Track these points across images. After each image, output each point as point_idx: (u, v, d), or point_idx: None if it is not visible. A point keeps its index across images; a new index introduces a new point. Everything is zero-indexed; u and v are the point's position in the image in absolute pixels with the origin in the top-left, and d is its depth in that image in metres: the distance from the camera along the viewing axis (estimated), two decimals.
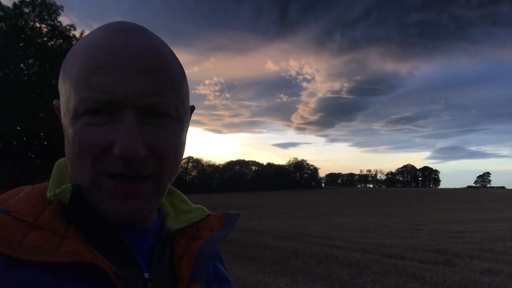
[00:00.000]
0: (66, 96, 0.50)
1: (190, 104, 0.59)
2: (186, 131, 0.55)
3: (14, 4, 27.59)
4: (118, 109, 0.47)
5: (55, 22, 29.27)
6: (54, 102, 0.57)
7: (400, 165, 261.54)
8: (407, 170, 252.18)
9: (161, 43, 0.53)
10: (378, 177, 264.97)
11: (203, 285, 0.59)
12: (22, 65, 28.56)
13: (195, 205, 0.67)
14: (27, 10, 28.26)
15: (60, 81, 0.53)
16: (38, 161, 27.53)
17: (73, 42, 29.58)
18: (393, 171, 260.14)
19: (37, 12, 28.54)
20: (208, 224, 0.64)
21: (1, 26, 27.12)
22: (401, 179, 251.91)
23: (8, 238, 0.45)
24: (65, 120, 0.50)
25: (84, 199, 0.49)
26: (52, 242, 0.46)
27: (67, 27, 29.90)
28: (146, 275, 0.54)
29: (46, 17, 28.92)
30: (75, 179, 0.51)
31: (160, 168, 0.50)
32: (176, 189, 0.67)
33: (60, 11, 29.73)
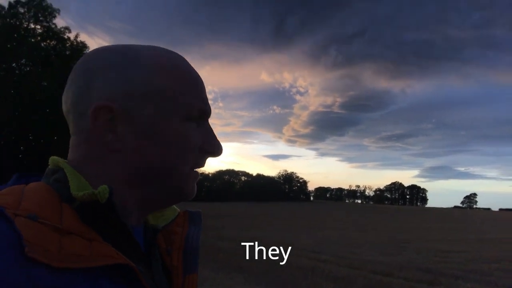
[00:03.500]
0: (165, 99, 0.58)
1: None
2: None
3: (10, 3, 27.47)
4: (206, 118, 0.63)
5: (50, 24, 29.20)
6: (103, 103, 0.56)
7: (389, 182, 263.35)
8: (396, 187, 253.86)
9: None
10: (366, 193, 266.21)
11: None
12: (14, 64, 28.35)
13: None
14: (23, 10, 28.16)
15: (144, 80, 0.58)
16: (25, 161, 27.13)
17: (67, 45, 29.51)
18: (382, 187, 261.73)
19: (32, 13, 28.43)
20: (176, 221, 0.68)
21: None
22: (389, 196, 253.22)
23: (50, 248, 0.45)
24: (162, 120, 0.58)
25: (114, 201, 0.51)
26: (84, 246, 0.47)
27: (62, 29, 29.84)
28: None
29: (41, 18, 28.82)
30: (172, 171, 0.59)
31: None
32: None
33: (56, 14, 29.68)
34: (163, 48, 0.63)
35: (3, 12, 27.26)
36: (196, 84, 0.62)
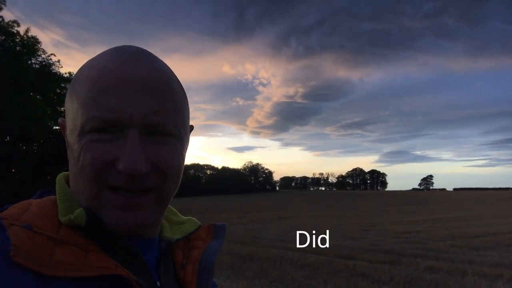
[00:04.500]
0: (73, 114, 0.53)
1: (190, 124, 0.64)
2: (186, 149, 0.60)
3: None
4: (123, 128, 0.51)
5: None
6: (59, 120, 0.60)
7: (350, 169, 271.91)
8: (357, 173, 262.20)
9: (165, 66, 0.58)
10: (329, 180, 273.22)
11: None
12: None
13: (186, 217, 0.72)
14: None
15: (67, 100, 0.56)
16: None
17: (17, 40, 27.92)
18: (344, 174, 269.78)
19: None
20: (198, 235, 0.68)
21: None
22: (351, 181, 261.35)
23: (39, 255, 0.46)
24: (71, 137, 0.53)
25: (98, 220, 0.51)
26: (78, 256, 0.48)
27: (10, 23, 28.15)
28: (158, 283, 0.58)
29: None
30: (78, 194, 0.54)
31: (162, 182, 0.54)
32: None
33: (2, 6, 27.91)
34: (106, 51, 0.57)
35: None
36: (97, 92, 0.51)
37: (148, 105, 0.51)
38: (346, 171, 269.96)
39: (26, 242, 0.46)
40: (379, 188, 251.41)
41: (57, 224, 0.51)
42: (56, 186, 0.58)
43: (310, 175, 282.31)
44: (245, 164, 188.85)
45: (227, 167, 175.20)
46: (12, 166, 25.06)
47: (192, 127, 0.65)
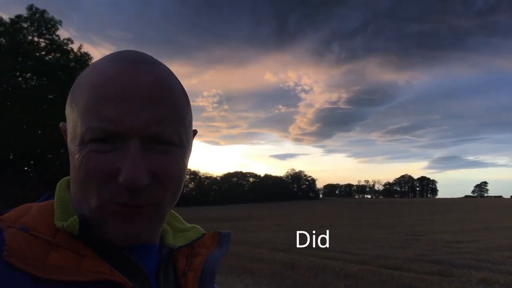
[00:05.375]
0: (73, 123, 0.52)
1: (193, 129, 0.62)
2: (189, 156, 0.58)
3: (11, 19, 27.79)
4: (124, 138, 0.49)
5: (53, 36, 29.48)
6: (60, 125, 0.59)
7: (398, 176, 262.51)
8: (405, 180, 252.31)
9: (168, 73, 0.56)
10: (375, 187, 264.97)
11: None
12: (20, 79, 28.67)
13: (190, 224, 0.70)
14: (26, 25, 28.47)
15: (67, 107, 0.55)
16: (32, 174, 27.41)
17: (71, 56, 29.81)
18: (391, 181, 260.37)
19: (35, 27, 28.73)
20: (202, 242, 0.66)
21: (0, 40, 27.28)
22: (398, 189, 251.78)
23: (33, 257, 0.46)
24: (72, 145, 0.52)
25: (92, 228, 0.51)
26: (73, 260, 0.48)
27: (65, 41, 30.11)
28: None
29: (44, 31, 29.10)
30: (79, 202, 0.53)
31: (162, 193, 0.53)
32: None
33: (59, 26, 29.96)
34: (106, 57, 0.55)
35: (7, 28, 27.55)
36: (97, 101, 0.50)
37: (149, 114, 0.50)
38: (394, 178, 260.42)
39: (21, 244, 0.46)
40: (429, 195, 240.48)
41: (55, 228, 0.52)
42: (56, 191, 0.58)
43: (355, 183, 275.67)
44: (287, 172, 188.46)
45: (270, 175, 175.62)
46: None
47: (195, 132, 0.63)
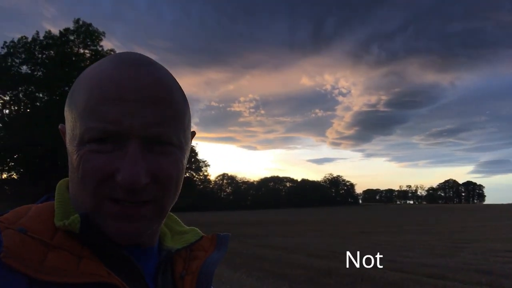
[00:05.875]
0: (72, 123, 0.53)
1: (192, 130, 0.63)
2: (187, 157, 0.59)
3: (60, 32, 29.47)
4: (123, 138, 0.50)
5: (97, 47, 30.97)
6: (59, 127, 0.60)
7: (442, 180, 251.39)
8: (449, 185, 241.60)
9: (166, 74, 0.56)
10: (418, 193, 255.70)
11: None
12: (67, 88, 30.29)
13: (188, 227, 0.70)
14: (72, 37, 30.09)
15: (66, 108, 0.56)
16: None
17: None
18: (434, 186, 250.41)
19: (81, 39, 30.31)
20: (201, 245, 0.66)
21: (49, 53, 28.98)
22: (443, 194, 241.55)
23: (31, 259, 0.46)
24: (70, 145, 0.53)
25: (93, 227, 0.52)
26: (70, 262, 0.48)
27: (108, 51, 31.51)
28: None
29: (89, 43, 30.64)
30: (77, 202, 0.54)
31: (161, 193, 0.53)
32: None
33: (102, 37, 31.45)
34: (105, 59, 0.56)
35: (56, 41, 29.24)
36: (96, 102, 0.50)
37: (149, 116, 0.51)
38: (437, 183, 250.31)
39: (18, 245, 0.46)
40: (475, 201, 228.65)
41: (53, 229, 0.52)
42: (56, 191, 0.59)
43: (396, 188, 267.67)
44: (325, 176, 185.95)
45: (307, 180, 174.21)
46: None
47: (194, 133, 0.64)
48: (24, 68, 29.29)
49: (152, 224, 0.55)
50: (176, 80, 0.59)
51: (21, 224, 0.50)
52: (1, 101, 28.65)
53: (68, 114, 0.55)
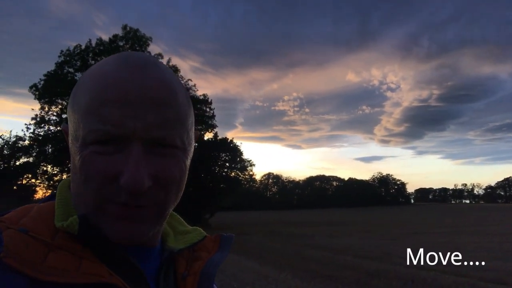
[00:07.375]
0: (74, 124, 0.52)
1: (195, 131, 0.62)
2: (190, 158, 0.58)
3: (110, 39, 30.99)
4: (126, 140, 0.49)
5: (145, 51, 32.20)
6: (62, 127, 0.60)
7: (501, 178, 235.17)
8: (509, 183, 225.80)
9: (170, 76, 0.55)
10: (475, 191, 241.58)
11: None
12: None
13: (191, 227, 0.70)
14: (121, 43, 31.53)
15: (69, 109, 0.56)
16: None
17: None
18: (493, 184, 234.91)
19: (130, 45, 31.66)
20: (204, 245, 0.66)
21: (101, 59, 30.57)
22: (502, 193, 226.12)
23: (31, 259, 0.46)
24: (73, 146, 0.53)
25: (92, 228, 0.51)
26: (71, 263, 0.48)
27: (155, 56, 32.63)
28: None
29: (137, 48, 31.93)
30: (79, 202, 0.54)
31: (163, 195, 0.53)
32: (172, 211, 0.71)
33: (149, 42, 32.66)
34: (109, 58, 0.55)
35: (107, 47, 30.80)
36: (99, 103, 0.49)
37: (152, 118, 0.50)
38: (496, 181, 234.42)
39: (19, 245, 0.47)
40: None
41: (54, 229, 0.52)
42: (57, 191, 0.58)
43: (451, 186, 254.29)
44: (373, 175, 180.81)
45: (354, 179, 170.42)
46: None
47: (197, 134, 0.62)
48: (78, 75, 31.18)
49: (154, 226, 0.54)
50: (180, 82, 0.58)
51: (22, 224, 0.50)
52: (60, 106, 30.55)
53: (71, 114, 0.54)
